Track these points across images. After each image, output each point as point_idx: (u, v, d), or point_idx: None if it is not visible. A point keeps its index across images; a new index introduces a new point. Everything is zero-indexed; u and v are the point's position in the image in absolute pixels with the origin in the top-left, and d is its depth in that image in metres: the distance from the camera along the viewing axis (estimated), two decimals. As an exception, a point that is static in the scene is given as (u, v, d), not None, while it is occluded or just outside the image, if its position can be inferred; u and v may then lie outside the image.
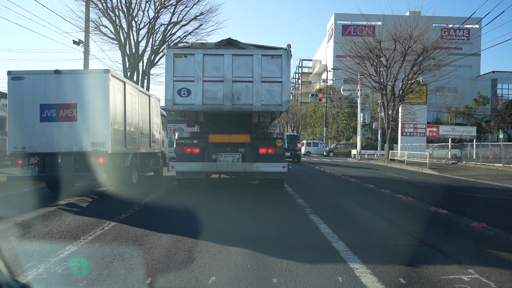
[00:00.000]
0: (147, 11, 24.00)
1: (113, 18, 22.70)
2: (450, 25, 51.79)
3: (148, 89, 24.03)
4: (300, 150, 26.66)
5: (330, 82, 53.06)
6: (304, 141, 46.13)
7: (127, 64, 23.44)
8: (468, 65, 54.62)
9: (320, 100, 39.36)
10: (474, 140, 34.00)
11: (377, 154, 37.44)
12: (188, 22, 24.54)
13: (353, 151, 35.92)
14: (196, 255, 4.13)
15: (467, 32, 57.06)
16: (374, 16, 38.04)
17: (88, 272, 3.65)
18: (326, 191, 10.44)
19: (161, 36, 24.47)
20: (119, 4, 22.74)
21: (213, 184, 11.19)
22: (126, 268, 3.73)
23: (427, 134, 36.17)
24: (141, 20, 23.88)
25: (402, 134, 34.43)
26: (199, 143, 9.27)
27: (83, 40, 18.49)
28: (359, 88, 32.08)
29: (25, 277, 3.46)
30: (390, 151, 29.06)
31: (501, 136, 32.95)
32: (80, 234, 5.03)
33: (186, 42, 23.67)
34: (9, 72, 8.28)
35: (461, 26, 49.47)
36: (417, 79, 28.18)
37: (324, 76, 56.76)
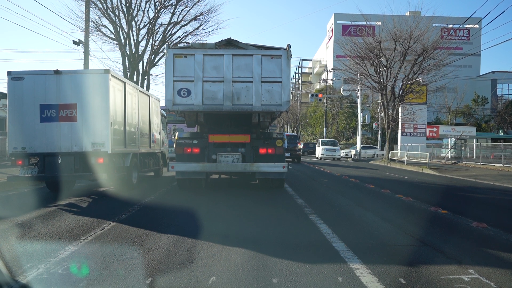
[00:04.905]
0: (147, 11, 24.07)
1: (113, 18, 22.72)
2: (450, 25, 51.81)
3: (148, 89, 24.04)
4: (300, 150, 26.57)
5: (330, 82, 53.06)
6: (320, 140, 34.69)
7: (127, 64, 23.45)
8: (468, 65, 54.63)
9: (320, 100, 39.34)
10: (474, 140, 33.98)
11: (377, 154, 37.42)
12: (188, 22, 24.61)
13: (352, 151, 35.82)
14: (196, 255, 4.13)
15: (467, 32, 57.07)
16: (374, 16, 38.08)
17: (88, 272, 3.64)
18: (326, 191, 10.43)
19: (161, 36, 24.51)
20: (119, 4, 22.78)
21: (213, 184, 11.19)
22: (126, 268, 3.73)
23: (427, 134, 36.18)
24: (141, 20, 23.95)
25: (402, 134, 34.41)
26: (199, 143, 9.26)
27: (83, 40, 18.48)
28: (359, 88, 32.09)
29: (25, 277, 3.45)
30: (390, 151, 29.06)
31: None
32: (80, 234, 5.03)
33: (186, 42, 23.70)
34: (9, 72, 8.28)
35: (461, 26, 49.44)
36: (417, 79, 28.20)
37: (324, 76, 56.76)
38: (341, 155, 32.86)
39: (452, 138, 35.67)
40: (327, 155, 31.29)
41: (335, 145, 32.93)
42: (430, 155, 25.08)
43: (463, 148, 31.21)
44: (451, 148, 30.73)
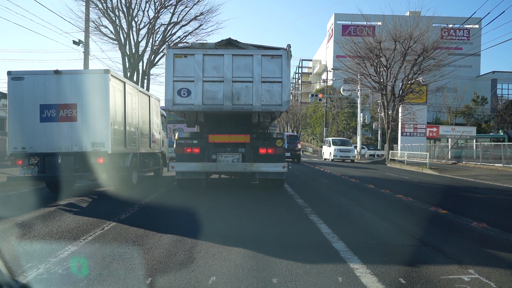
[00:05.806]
0: (147, 11, 24.07)
1: (113, 18, 22.72)
2: (450, 25, 51.81)
3: (148, 89, 24.04)
4: (300, 150, 26.45)
5: (330, 82, 53.09)
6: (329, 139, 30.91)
7: (127, 64, 23.45)
8: (468, 65, 54.63)
9: (320, 100, 39.36)
10: (474, 140, 34.04)
11: (377, 154, 37.41)
12: (188, 22, 24.61)
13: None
14: (196, 255, 4.13)
15: (467, 32, 57.09)
16: (374, 16, 38.13)
17: (88, 272, 3.64)
18: (326, 191, 10.43)
19: (161, 36, 24.51)
20: (119, 4, 22.78)
21: (213, 184, 11.18)
22: (126, 268, 3.73)
23: (427, 134, 36.20)
24: (141, 20, 23.95)
25: (402, 134, 34.44)
26: (199, 143, 9.26)
27: (83, 40, 18.47)
28: (359, 88, 32.10)
29: (25, 277, 3.45)
30: (390, 151, 29.05)
31: (501, 136, 33.10)
32: (80, 234, 5.03)
33: (186, 42, 23.71)
34: (9, 72, 8.27)
35: (461, 26, 49.49)
36: (417, 79, 28.22)
37: (324, 76, 56.78)
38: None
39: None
40: (340, 156, 27.78)
41: (349, 144, 29.73)
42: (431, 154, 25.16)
43: (436, 148, 32.63)
44: (451, 148, 30.75)
